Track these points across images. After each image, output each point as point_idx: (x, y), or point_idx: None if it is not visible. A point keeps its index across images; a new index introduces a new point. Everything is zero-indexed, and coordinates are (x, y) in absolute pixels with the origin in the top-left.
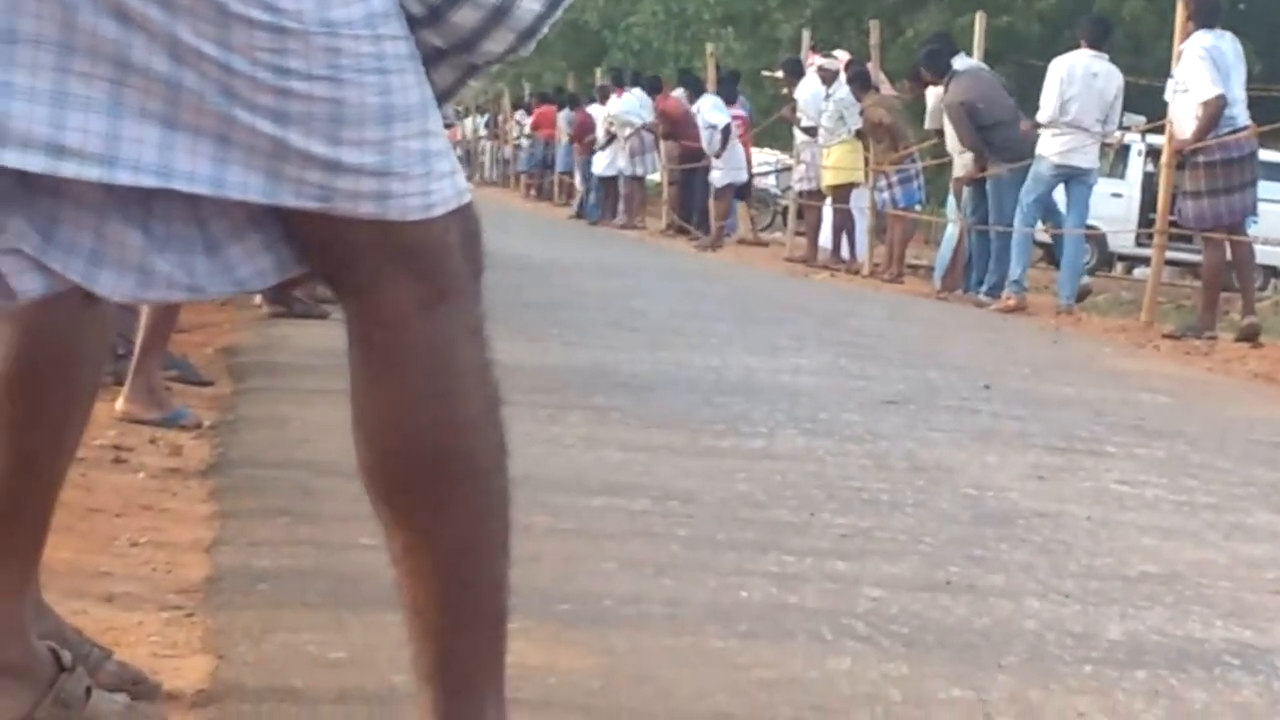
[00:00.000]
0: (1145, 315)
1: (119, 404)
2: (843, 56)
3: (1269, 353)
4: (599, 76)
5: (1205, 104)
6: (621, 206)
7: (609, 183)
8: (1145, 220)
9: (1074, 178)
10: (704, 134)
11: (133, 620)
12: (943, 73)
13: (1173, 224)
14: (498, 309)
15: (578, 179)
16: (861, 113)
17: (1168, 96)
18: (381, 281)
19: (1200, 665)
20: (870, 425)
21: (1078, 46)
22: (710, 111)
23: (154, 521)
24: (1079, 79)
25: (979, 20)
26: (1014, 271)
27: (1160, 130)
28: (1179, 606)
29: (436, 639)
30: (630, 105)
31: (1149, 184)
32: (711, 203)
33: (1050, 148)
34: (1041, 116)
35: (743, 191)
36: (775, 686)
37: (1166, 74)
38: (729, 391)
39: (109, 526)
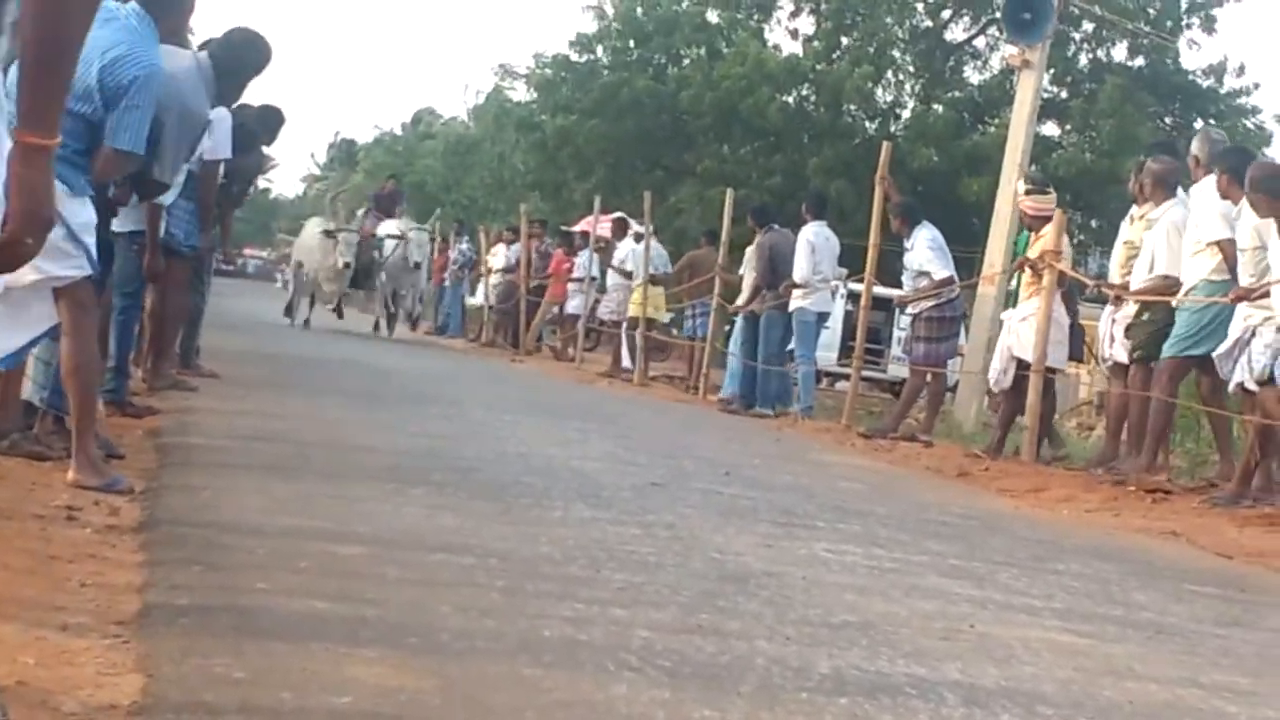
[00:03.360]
0: (845, 419)
1: (69, 474)
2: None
3: (937, 452)
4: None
5: (940, 281)
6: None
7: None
8: (844, 346)
9: (820, 319)
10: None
11: (82, 645)
12: (763, 224)
13: (868, 350)
14: (360, 403)
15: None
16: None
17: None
18: None
19: (887, 694)
20: (640, 502)
21: (801, 217)
22: (584, 265)
23: (98, 567)
24: (823, 245)
25: (729, 195)
26: (807, 399)
27: (858, 279)
28: (871, 648)
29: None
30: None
31: (848, 319)
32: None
33: (810, 300)
34: (799, 277)
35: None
36: (570, 706)
37: (863, 237)
38: (534, 473)
39: (64, 570)
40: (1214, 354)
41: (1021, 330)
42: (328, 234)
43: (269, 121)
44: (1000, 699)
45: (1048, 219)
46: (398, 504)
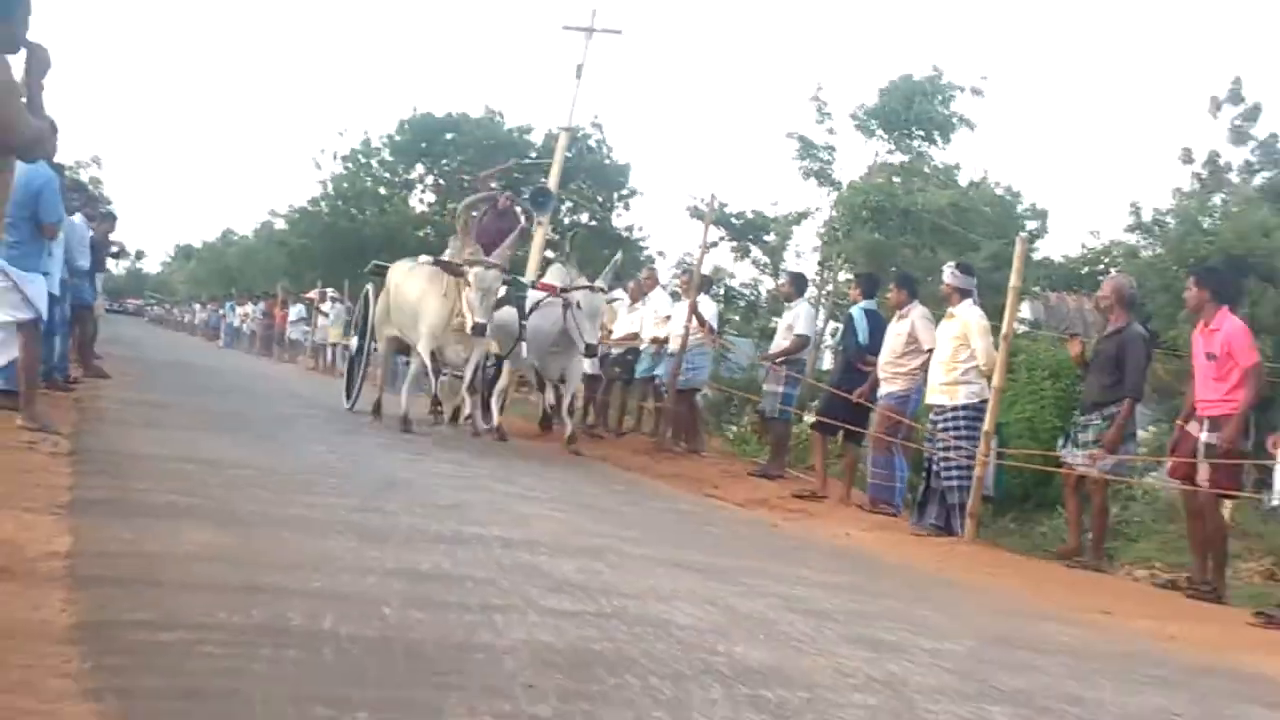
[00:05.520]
0: None
1: (18, 420)
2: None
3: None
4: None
5: None
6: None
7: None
8: None
9: None
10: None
11: (38, 519)
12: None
13: None
14: (199, 388)
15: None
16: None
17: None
18: None
19: (481, 545)
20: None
21: None
22: (300, 313)
23: (47, 477)
24: None
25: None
26: None
27: None
28: (463, 516)
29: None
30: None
31: None
32: None
33: None
34: None
35: None
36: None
37: None
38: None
39: (28, 478)
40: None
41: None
42: (444, 267)
43: None
44: (523, 545)
45: None
46: (228, 441)
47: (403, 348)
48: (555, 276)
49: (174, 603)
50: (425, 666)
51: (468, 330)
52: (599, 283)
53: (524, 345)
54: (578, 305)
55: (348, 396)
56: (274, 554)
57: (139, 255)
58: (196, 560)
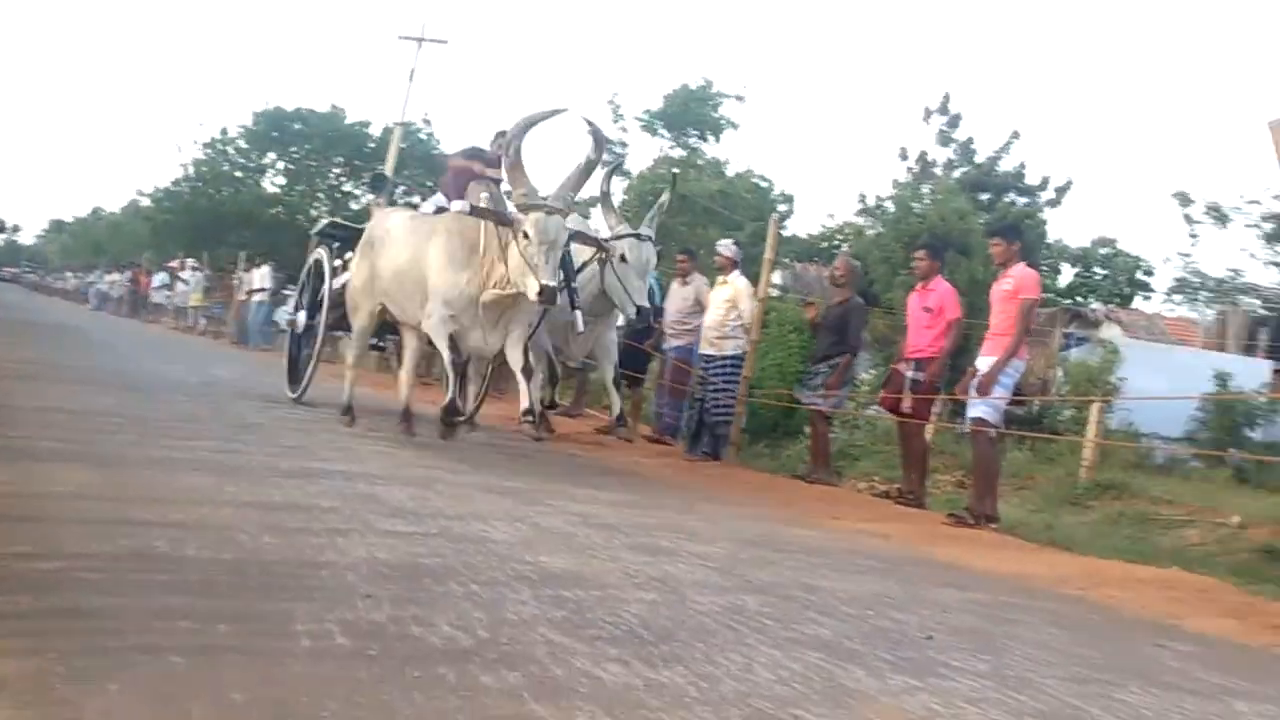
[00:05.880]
0: None
1: None
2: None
3: None
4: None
5: None
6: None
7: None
8: None
9: None
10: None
11: None
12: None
13: None
14: (57, 345)
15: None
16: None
17: None
18: None
19: (327, 478)
20: None
21: None
22: (163, 280)
23: None
24: None
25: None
26: None
27: None
28: (306, 451)
29: None
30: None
31: None
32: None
33: None
34: None
35: None
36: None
37: None
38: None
39: None
40: None
41: None
42: (485, 216)
43: None
44: (361, 478)
45: None
46: (98, 393)
47: (387, 327)
48: (576, 225)
49: (52, 535)
50: (277, 583)
51: (531, 295)
52: (645, 230)
53: (579, 314)
54: (622, 258)
55: (292, 384)
56: (141, 490)
57: (15, 228)
58: (72, 498)
